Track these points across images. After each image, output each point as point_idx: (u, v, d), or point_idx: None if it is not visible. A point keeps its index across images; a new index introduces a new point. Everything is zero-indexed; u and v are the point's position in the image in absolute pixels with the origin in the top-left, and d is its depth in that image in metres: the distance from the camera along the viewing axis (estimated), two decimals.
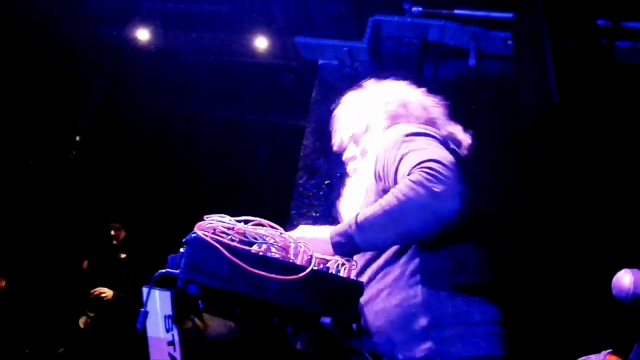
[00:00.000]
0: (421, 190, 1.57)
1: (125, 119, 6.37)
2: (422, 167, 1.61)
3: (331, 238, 1.68)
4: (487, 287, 1.71)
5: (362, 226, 1.65)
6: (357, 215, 1.68)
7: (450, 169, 1.60)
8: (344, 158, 2.14)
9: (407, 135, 1.80)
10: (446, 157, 1.65)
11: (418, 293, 1.67)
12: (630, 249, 3.42)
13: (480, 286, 1.70)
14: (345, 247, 1.66)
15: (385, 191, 1.72)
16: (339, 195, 2.18)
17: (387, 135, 1.89)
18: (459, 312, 1.65)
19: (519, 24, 4.04)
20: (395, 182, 1.71)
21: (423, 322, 1.64)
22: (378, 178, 1.83)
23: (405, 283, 1.70)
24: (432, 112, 2.06)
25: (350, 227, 1.67)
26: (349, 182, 2.14)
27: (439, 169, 1.58)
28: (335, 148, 2.19)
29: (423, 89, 2.12)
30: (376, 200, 1.71)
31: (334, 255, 1.66)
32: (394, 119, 2.02)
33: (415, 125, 1.90)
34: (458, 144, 2.00)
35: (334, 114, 2.19)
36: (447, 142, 1.88)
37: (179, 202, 5.75)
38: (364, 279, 1.79)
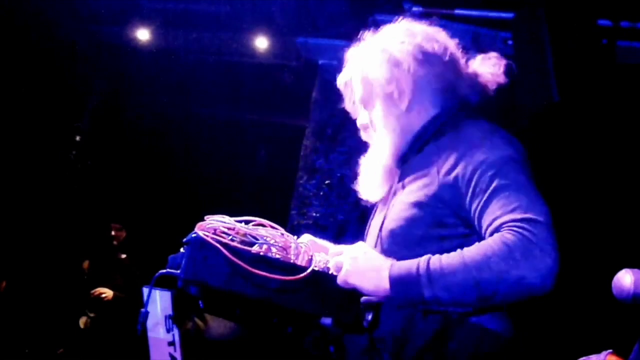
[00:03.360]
0: (524, 264, 1.36)
1: (125, 119, 6.37)
2: (524, 226, 1.39)
3: (391, 282, 1.47)
4: None
5: (435, 280, 1.42)
6: (429, 263, 1.44)
7: (552, 235, 1.41)
8: (358, 124, 1.84)
9: (507, 159, 1.52)
10: (544, 208, 1.44)
11: None
12: (630, 249, 3.42)
13: None
14: (408, 299, 1.47)
15: (452, 202, 1.54)
16: (354, 174, 1.87)
17: (478, 140, 1.57)
18: None
19: (519, 24, 4.03)
20: (482, 212, 1.48)
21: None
22: (455, 186, 1.54)
23: None
24: (455, 54, 1.74)
25: (419, 275, 1.44)
26: (369, 152, 1.83)
27: (544, 235, 1.39)
28: (347, 105, 1.91)
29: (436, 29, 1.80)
30: (431, 204, 1.55)
31: (384, 294, 1.50)
32: (389, 83, 1.70)
33: (507, 140, 1.60)
34: (483, 87, 1.74)
35: (341, 77, 1.91)
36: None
37: (179, 202, 5.75)
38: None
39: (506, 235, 1.40)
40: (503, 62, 1.77)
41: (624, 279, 1.42)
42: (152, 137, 6.25)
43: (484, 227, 1.49)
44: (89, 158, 6.14)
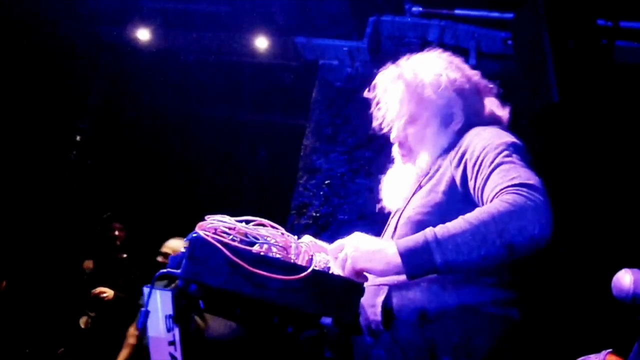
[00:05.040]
0: (524, 216, 1.43)
1: (125, 119, 6.37)
2: (522, 189, 1.48)
3: (401, 253, 1.48)
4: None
5: (444, 242, 1.46)
6: (435, 231, 1.48)
7: (547, 199, 1.48)
8: (392, 139, 1.95)
9: (510, 144, 1.65)
10: (541, 183, 1.52)
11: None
12: (630, 249, 3.42)
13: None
14: (420, 267, 1.47)
15: (462, 185, 1.65)
16: (374, 180, 2.04)
17: (485, 133, 1.72)
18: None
19: (519, 24, 4.04)
20: (484, 185, 1.58)
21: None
22: (464, 170, 1.67)
23: None
24: (481, 94, 1.92)
25: (427, 242, 1.47)
26: (395, 166, 1.97)
27: (540, 197, 1.46)
28: (376, 124, 1.97)
29: (469, 67, 1.97)
30: (446, 192, 1.66)
31: (396, 270, 1.51)
32: (448, 106, 1.86)
33: (510, 135, 1.73)
34: (499, 121, 1.91)
35: (376, 82, 1.96)
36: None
37: (179, 202, 5.75)
38: None
39: (506, 196, 1.48)
40: (507, 107, 1.95)
41: (624, 278, 1.42)
42: (152, 137, 6.25)
43: (485, 196, 1.57)
44: (89, 158, 6.14)
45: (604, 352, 1.76)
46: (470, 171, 1.65)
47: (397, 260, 1.49)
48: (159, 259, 4.23)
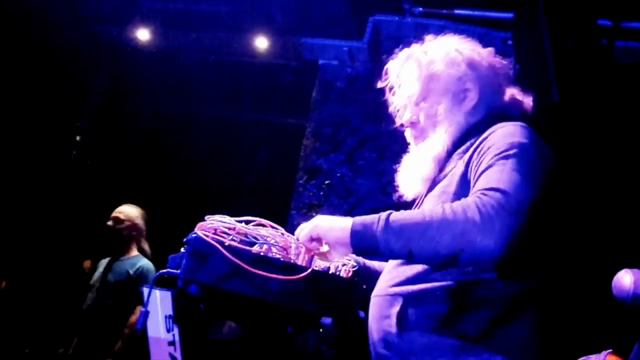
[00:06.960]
0: (469, 217, 1.40)
1: (125, 119, 6.37)
2: (490, 193, 1.43)
3: (352, 225, 1.52)
4: None
5: (391, 227, 1.47)
6: (392, 212, 1.51)
7: (513, 213, 1.41)
8: (402, 121, 1.90)
9: (516, 145, 1.56)
10: (520, 194, 1.45)
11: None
12: (630, 249, 3.42)
13: None
14: (363, 240, 1.50)
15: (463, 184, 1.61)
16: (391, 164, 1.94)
17: (502, 131, 1.64)
18: None
19: (519, 24, 4.04)
20: (473, 186, 1.55)
21: None
22: (470, 167, 1.63)
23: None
24: (499, 75, 1.87)
25: (379, 221, 1.49)
26: (410, 152, 1.91)
27: (504, 208, 1.40)
28: (391, 109, 1.94)
29: (490, 49, 1.94)
30: (457, 192, 1.60)
31: (348, 247, 1.53)
32: (461, 81, 1.80)
33: (525, 133, 1.64)
34: (522, 110, 1.85)
35: (387, 68, 1.93)
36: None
37: (179, 202, 5.74)
38: None
39: (470, 199, 1.45)
40: (528, 97, 1.89)
41: (624, 279, 1.42)
42: (152, 137, 6.24)
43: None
44: (89, 158, 6.14)
45: (604, 352, 1.76)
46: (471, 169, 1.62)
47: (349, 231, 1.52)
48: (109, 223, 4.47)
